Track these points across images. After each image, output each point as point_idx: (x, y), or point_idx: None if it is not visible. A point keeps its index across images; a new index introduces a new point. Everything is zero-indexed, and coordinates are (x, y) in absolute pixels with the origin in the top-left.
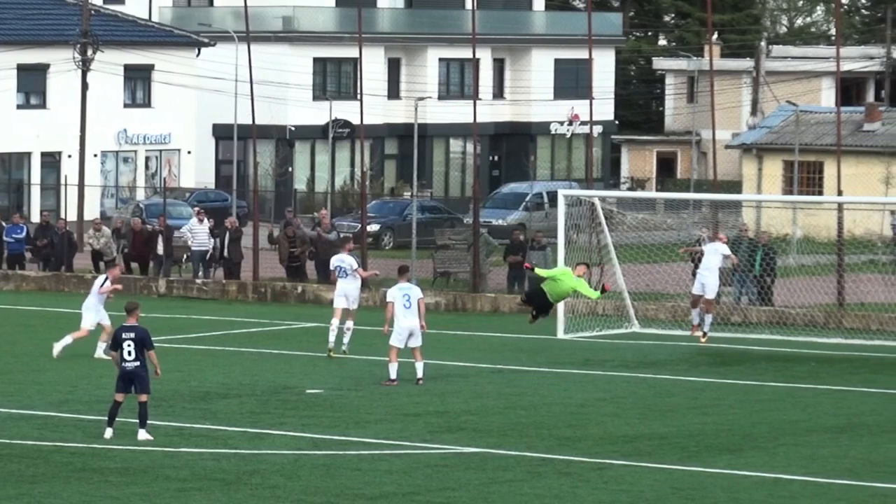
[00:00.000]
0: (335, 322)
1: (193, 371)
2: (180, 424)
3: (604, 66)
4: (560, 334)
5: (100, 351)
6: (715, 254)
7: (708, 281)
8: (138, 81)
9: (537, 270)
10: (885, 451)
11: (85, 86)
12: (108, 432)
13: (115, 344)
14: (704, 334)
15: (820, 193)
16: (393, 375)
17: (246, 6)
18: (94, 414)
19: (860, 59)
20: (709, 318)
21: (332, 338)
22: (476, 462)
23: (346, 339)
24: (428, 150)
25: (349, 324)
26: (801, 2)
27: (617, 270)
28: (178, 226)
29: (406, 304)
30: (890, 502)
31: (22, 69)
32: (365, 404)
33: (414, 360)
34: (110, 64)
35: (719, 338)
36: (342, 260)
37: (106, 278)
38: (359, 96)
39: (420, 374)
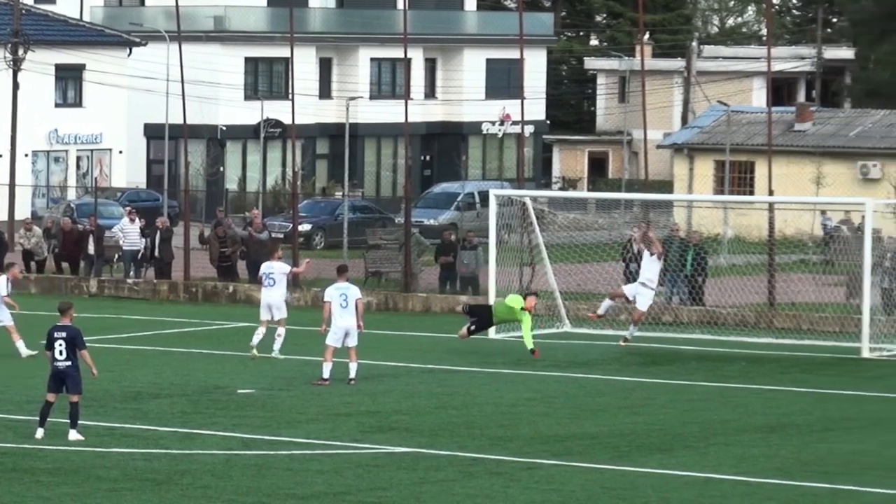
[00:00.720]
0: (262, 330)
1: (124, 371)
2: (111, 424)
3: (535, 66)
4: (491, 334)
5: (24, 350)
6: (654, 263)
7: (644, 293)
8: (69, 81)
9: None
10: (815, 451)
11: (16, 85)
12: (40, 432)
13: (49, 343)
14: (626, 339)
15: (751, 193)
16: (325, 374)
17: (177, 6)
18: (24, 414)
19: (791, 59)
20: (634, 329)
21: (255, 340)
22: (407, 462)
23: (276, 346)
24: (359, 150)
25: (280, 331)
26: (733, 2)
27: (548, 270)
28: (109, 225)
29: (343, 303)
30: (820, 501)
31: None
32: (296, 404)
33: (348, 360)
34: (41, 63)
35: (650, 337)
36: (271, 267)
37: (8, 280)
38: (290, 96)
39: (353, 374)
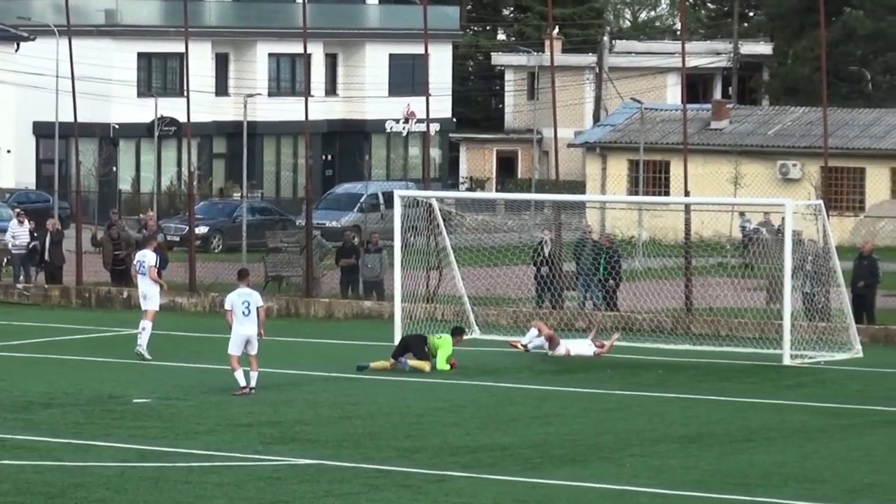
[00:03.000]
0: (143, 324)
1: (15, 380)
2: (1, 436)
3: (440, 62)
4: (397, 341)
5: None
6: (588, 348)
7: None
8: None
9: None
10: (735, 462)
11: None
12: None
13: None
14: (525, 347)
15: (666, 194)
16: (242, 383)
17: None
18: None
19: (706, 54)
20: (539, 341)
21: (141, 341)
22: (311, 474)
23: (140, 340)
24: (258, 149)
25: (146, 323)
26: None
27: (456, 274)
28: None
29: (245, 311)
30: None
31: None
32: (194, 414)
33: (249, 369)
34: None
35: None
36: (143, 255)
37: None
38: (185, 93)
39: (253, 382)
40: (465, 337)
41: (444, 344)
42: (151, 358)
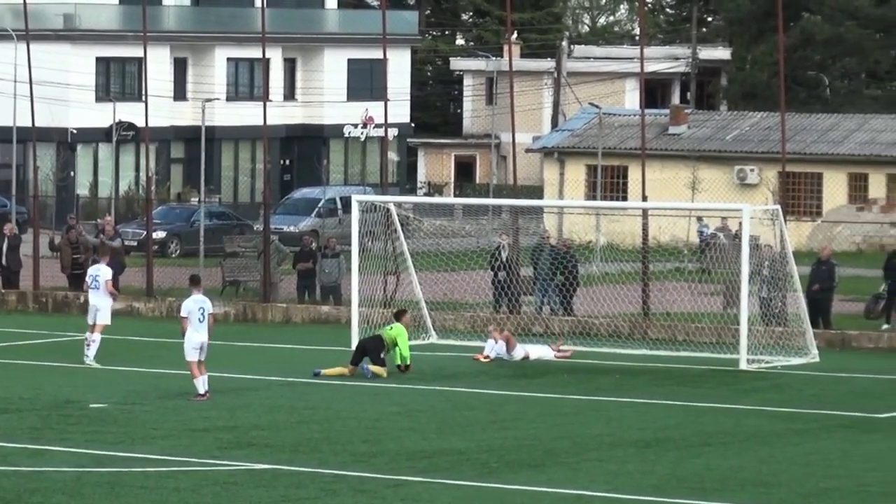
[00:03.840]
0: (89, 336)
1: None
2: None
3: (399, 67)
4: (354, 346)
5: None
6: (548, 352)
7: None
8: None
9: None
10: (691, 466)
11: None
12: None
13: None
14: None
15: (624, 199)
16: (201, 389)
17: (25, 3)
18: None
19: (665, 59)
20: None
21: (90, 352)
22: (267, 479)
23: (88, 352)
24: (216, 154)
25: (95, 336)
26: (604, 0)
27: (414, 279)
28: None
29: (201, 317)
30: None
31: None
32: (151, 419)
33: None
34: None
35: None
36: (97, 270)
37: None
38: (143, 97)
39: (206, 386)
40: (425, 341)
41: (399, 332)
42: (99, 366)
